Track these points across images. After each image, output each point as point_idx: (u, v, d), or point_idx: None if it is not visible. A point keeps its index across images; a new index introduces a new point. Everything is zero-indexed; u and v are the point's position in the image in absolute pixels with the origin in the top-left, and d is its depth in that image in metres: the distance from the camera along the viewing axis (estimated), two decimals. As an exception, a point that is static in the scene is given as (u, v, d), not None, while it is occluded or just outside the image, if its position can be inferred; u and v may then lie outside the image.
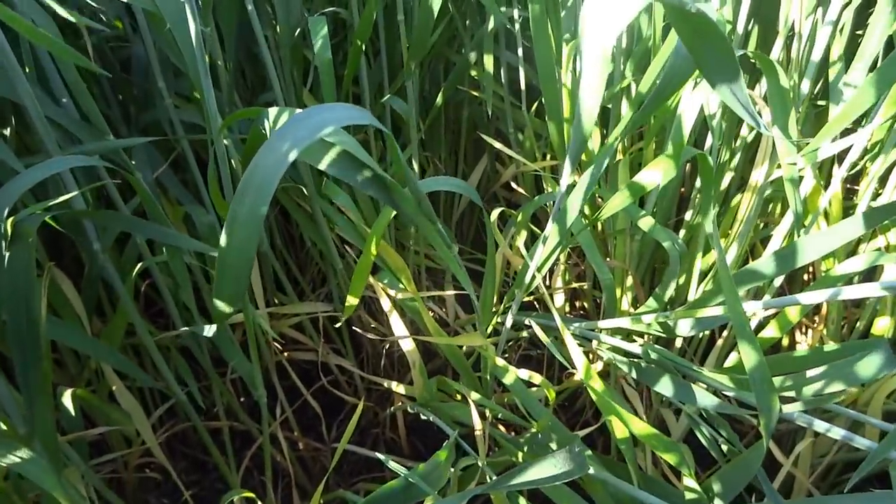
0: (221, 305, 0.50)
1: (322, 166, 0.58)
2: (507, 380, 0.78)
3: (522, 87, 1.10)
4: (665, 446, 0.53)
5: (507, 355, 1.14)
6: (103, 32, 0.92)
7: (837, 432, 0.54)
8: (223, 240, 0.44)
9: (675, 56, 0.51)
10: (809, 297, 0.56)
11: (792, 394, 0.56)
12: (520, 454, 0.73)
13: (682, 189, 1.14)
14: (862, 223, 0.57)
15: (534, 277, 0.65)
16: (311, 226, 1.01)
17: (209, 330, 0.58)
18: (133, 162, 0.87)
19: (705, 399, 0.59)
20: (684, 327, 0.73)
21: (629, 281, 0.96)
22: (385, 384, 0.92)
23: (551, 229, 0.61)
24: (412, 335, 0.83)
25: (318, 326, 1.09)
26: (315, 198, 0.92)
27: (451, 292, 0.91)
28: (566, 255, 1.06)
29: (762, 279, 0.62)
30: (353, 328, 1.09)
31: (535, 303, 1.18)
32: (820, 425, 0.55)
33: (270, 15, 0.92)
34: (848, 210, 0.93)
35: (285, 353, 1.07)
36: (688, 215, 0.98)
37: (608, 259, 0.97)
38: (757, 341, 0.47)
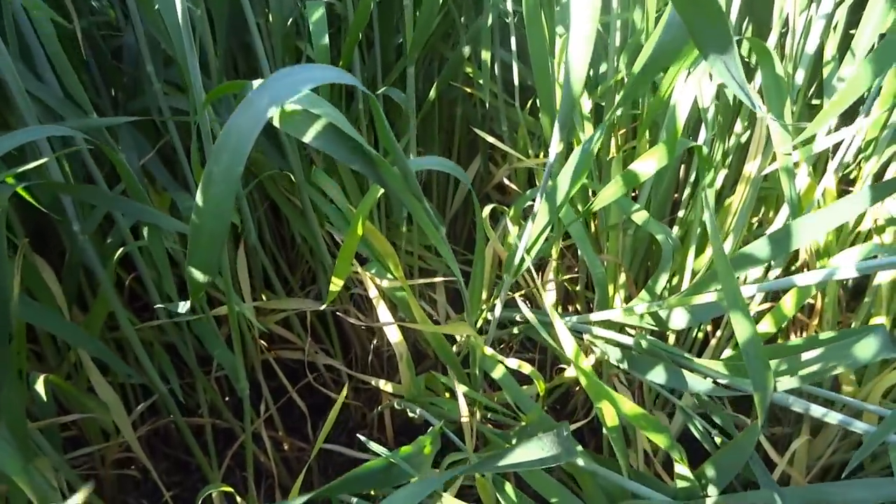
0: (196, 274, 0.48)
1: (307, 139, 0.56)
2: (497, 373, 0.76)
3: (516, 83, 1.10)
4: (654, 427, 0.51)
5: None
6: (94, 18, 0.91)
7: (834, 416, 0.52)
8: (198, 199, 0.42)
9: (669, 26, 0.50)
10: (804, 279, 0.54)
11: (787, 377, 0.54)
12: (508, 447, 0.71)
13: (676, 195, 1.13)
14: (867, 198, 0.55)
15: (523, 260, 0.63)
16: (300, 220, 1.00)
17: (184, 306, 0.56)
18: (119, 147, 0.85)
19: (698, 384, 0.57)
20: (677, 319, 0.71)
21: (622, 278, 0.95)
22: (373, 382, 0.89)
23: (539, 205, 0.59)
24: (399, 327, 0.81)
25: (305, 325, 1.07)
26: (303, 185, 0.91)
27: (440, 279, 0.90)
28: (559, 253, 1.04)
29: (758, 263, 0.60)
30: (339, 319, 1.07)
31: (527, 301, 1.16)
32: (817, 410, 0.53)
33: (263, 3, 0.91)
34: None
35: (272, 352, 1.05)
36: (682, 213, 0.97)
37: (601, 255, 0.95)
38: (750, 315, 0.45)
